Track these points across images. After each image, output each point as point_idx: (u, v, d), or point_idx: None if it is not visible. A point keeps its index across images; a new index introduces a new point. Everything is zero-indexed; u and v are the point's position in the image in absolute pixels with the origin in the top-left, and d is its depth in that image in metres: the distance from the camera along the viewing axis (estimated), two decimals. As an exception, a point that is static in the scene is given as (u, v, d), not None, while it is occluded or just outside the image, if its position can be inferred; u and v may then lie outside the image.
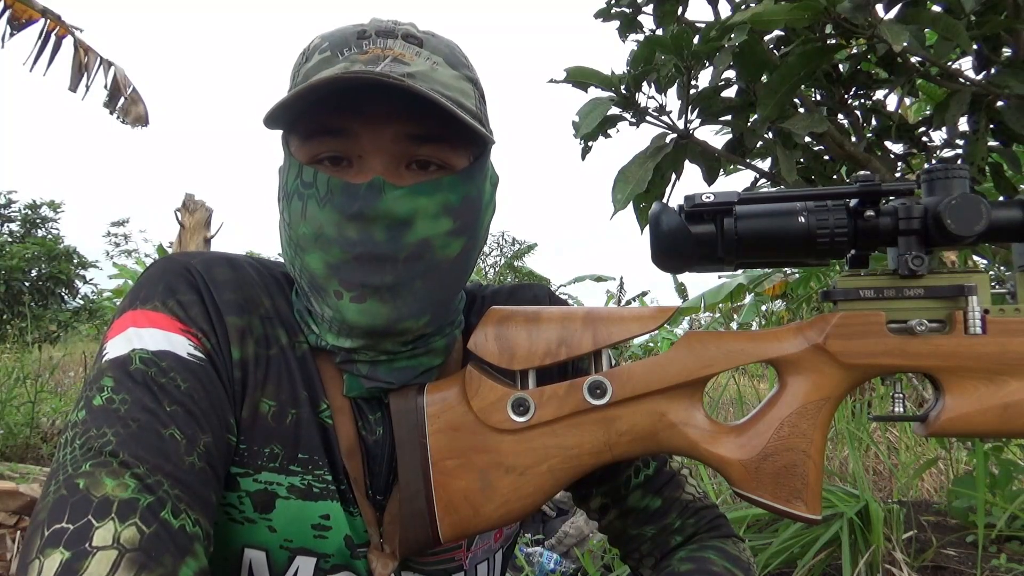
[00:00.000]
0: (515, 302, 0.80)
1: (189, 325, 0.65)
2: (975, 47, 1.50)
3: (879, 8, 1.45)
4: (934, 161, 0.64)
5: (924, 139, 1.74)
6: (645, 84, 1.56)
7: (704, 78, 1.62)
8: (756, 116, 1.58)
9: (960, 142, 1.66)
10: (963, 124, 1.63)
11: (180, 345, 0.63)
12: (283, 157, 0.70)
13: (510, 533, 0.80)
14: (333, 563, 0.68)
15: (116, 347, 0.63)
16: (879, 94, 1.78)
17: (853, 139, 1.73)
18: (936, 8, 1.46)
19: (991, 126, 1.56)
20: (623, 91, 1.56)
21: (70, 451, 0.57)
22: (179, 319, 0.65)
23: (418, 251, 0.65)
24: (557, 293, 0.84)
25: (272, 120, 0.65)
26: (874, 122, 1.79)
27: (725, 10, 1.70)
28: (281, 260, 0.78)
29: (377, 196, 0.63)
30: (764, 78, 1.59)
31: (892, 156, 1.78)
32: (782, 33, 1.69)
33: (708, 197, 0.62)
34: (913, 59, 1.54)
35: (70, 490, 0.54)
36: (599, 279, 13.39)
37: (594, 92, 1.60)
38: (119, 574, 0.50)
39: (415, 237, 0.64)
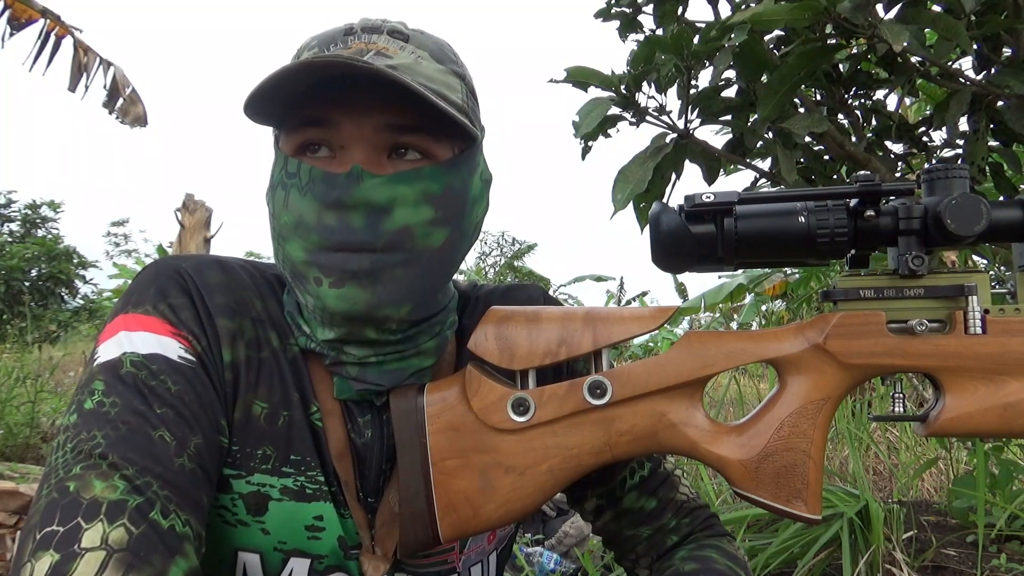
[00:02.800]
0: (510, 302, 0.80)
1: (180, 328, 0.65)
2: (975, 47, 1.50)
3: (879, 8, 1.45)
4: (934, 161, 0.64)
5: (924, 139, 1.74)
6: (645, 84, 1.56)
7: (704, 78, 1.62)
8: (756, 116, 1.58)
9: (960, 142, 1.66)
10: (963, 124, 1.63)
11: (171, 348, 0.63)
12: (273, 153, 0.70)
13: (504, 535, 0.80)
14: (327, 564, 0.68)
15: (107, 351, 0.63)
16: (879, 94, 1.78)
17: (853, 139, 1.73)
18: (936, 8, 1.46)
19: (991, 126, 1.56)
20: (623, 91, 1.56)
21: (61, 454, 0.57)
22: (170, 322, 0.65)
23: (398, 239, 0.65)
24: (556, 293, 0.84)
25: (254, 114, 0.65)
26: (874, 122, 1.79)
27: (725, 10, 1.70)
28: (274, 262, 0.78)
29: (355, 184, 0.63)
30: (764, 78, 1.59)
31: (892, 156, 1.78)
32: (782, 33, 1.68)
33: (708, 197, 0.62)
34: (913, 59, 1.54)
35: (61, 493, 0.54)
36: (599, 279, 13.37)
37: (594, 92, 1.60)
38: (107, 574, 0.50)
39: (394, 225, 0.64)
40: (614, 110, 1.59)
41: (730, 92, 1.70)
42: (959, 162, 0.63)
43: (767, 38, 1.64)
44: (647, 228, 0.66)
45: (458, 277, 0.80)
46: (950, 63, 1.56)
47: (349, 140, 0.65)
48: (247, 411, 0.67)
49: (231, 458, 0.66)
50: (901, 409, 0.65)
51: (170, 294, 0.66)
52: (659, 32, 1.75)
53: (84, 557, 0.51)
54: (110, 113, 4.97)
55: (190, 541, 0.56)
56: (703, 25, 1.71)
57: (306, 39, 0.70)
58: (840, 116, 1.77)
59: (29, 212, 16.92)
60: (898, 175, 1.72)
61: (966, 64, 1.62)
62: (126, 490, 0.55)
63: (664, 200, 1.65)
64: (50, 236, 16.52)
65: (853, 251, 0.64)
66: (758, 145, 1.67)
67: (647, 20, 1.77)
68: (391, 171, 0.65)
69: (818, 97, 1.79)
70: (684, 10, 1.73)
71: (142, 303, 0.66)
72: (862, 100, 1.77)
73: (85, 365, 0.65)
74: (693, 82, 1.58)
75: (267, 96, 0.63)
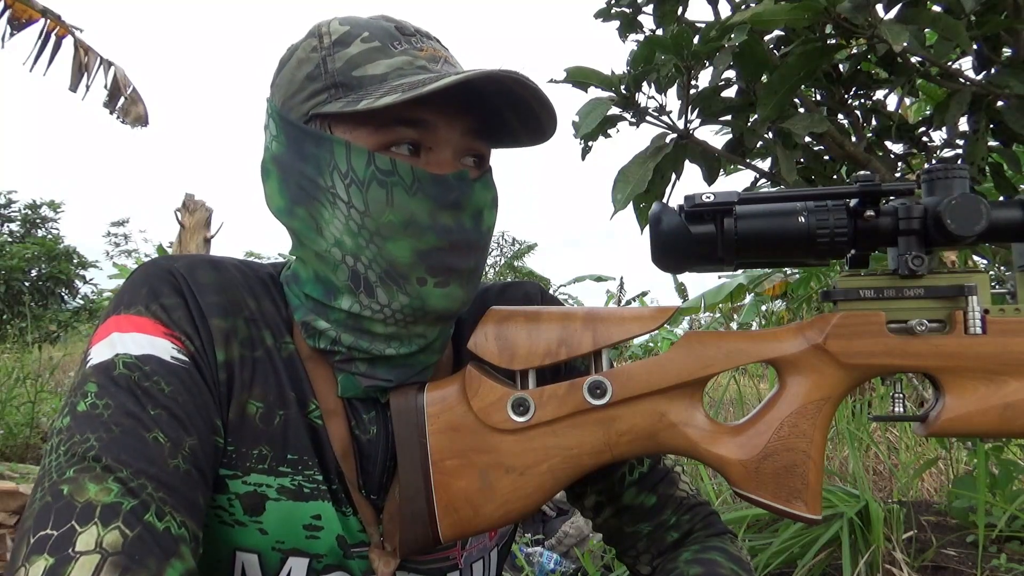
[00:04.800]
0: (506, 300, 0.81)
1: (172, 328, 0.64)
2: (975, 47, 1.50)
3: (879, 8, 1.45)
4: (934, 161, 0.64)
5: (924, 139, 1.74)
6: (645, 84, 1.56)
7: (704, 78, 1.62)
8: (756, 116, 1.58)
9: (960, 142, 1.66)
10: (963, 124, 1.63)
11: (163, 349, 0.63)
12: (323, 143, 0.65)
13: (505, 531, 0.80)
14: (326, 563, 0.68)
15: (100, 353, 0.62)
16: (879, 94, 1.78)
17: (853, 139, 1.73)
18: (936, 8, 1.46)
19: (991, 126, 1.56)
20: (623, 91, 1.56)
21: (55, 458, 0.57)
22: (162, 323, 0.64)
23: (487, 238, 0.70)
24: (556, 293, 0.85)
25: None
26: (874, 122, 1.79)
27: (725, 10, 1.70)
28: (267, 262, 0.77)
29: (468, 186, 0.66)
30: (764, 78, 1.59)
31: (892, 156, 1.78)
32: (782, 33, 1.68)
33: (708, 197, 0.62)
34: (913, 59, 1.54)
35: (54, 496, 0.54)
36: (599, 279, 13.39)
37: (594, 92, 1.60)
38: None
39: (486, 225, 0.69)
40: (614, 110, 1.59)
41: (730, 92, 1.70)
42: (959, 162, 0.63)
43: (767, 38, 1.64)
44: (647, 228, 0.66)
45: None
46: (950, 63, 1.56)
47: (438, 142, 0.66)
48: (242, 411, 0.67)
49: (227, 458, 0.66)
50: (901, 409, 0.65)
51: (162, 294, 0.66)
52: (659, 32, 1.75)
53: (79, 561, 0.50)
54: (111, 113, 4.98)
55: (186, 543, 0.56)
56: (703, 25, 1.71)
57: (343, 27, 0.66)
58: (840, 116, 1.77)
59: (29, 212, 16.93)
60: (898, 175, 1.72)
61: (966, 64, 1.62)
62: (120, 493, 0.55)
63: (664, 200, 1.65)
64: (50, 236, 16.52)
65: (853, 251, 0.64)
66: (758, 145, 1.67)
67: (647, 20, 1.77)
68: (476, 174, 0.68)
69: (818, 97, 1.79)
70: (684, 10, 1.73)
71: (134, 304, 0.65)
72: (862, 100, 1.77)
73: (78, 367, 0.65)
74: (693, 82, 1.58)
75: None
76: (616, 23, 1.78)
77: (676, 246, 0.63)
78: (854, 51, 1.66)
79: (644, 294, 13.69)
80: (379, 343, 0.68)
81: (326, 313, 0.69)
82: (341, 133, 0.65)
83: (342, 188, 0.65)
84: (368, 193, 0.64)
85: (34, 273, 14.96)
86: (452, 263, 0.66)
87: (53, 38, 4.64)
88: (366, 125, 0.65)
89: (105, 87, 4.91)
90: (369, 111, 0.62)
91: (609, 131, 1.64)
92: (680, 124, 1.62)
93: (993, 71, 1.52)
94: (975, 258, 2.13)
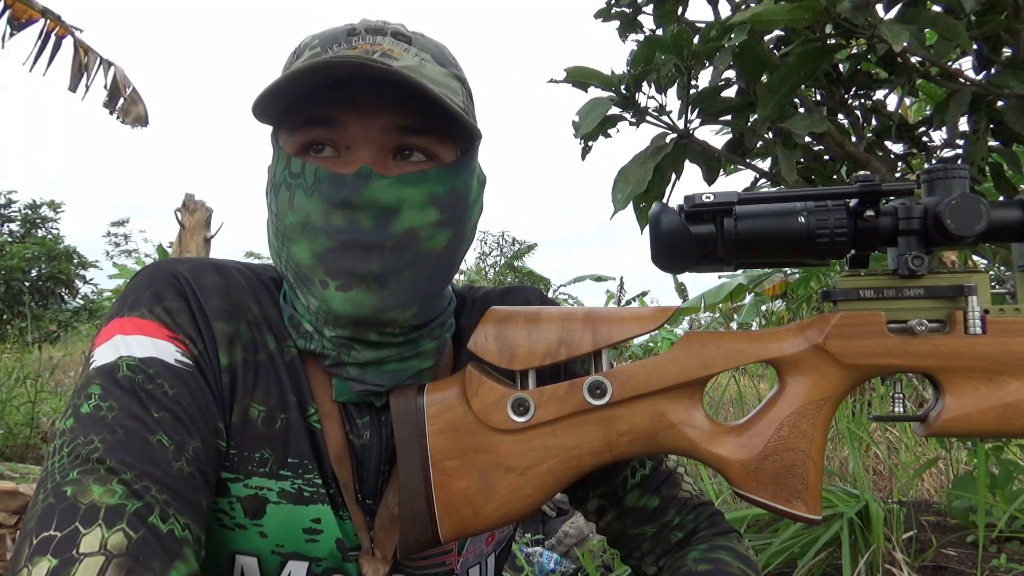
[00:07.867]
0: (507, 304, 0.80)
1: (176, 332, 0.65)
2: (975, 47, 1.50)
3: (879, 8, 1.44)
4: (934, 161, 0.64)
5: (924, 139, 1.74)
6: (645, 84, 1.56)
7: (704, 78, 1.62)
8: (756, 116, 1.58)
9: (960, 142, 1.66)
10: (963, 124, 1.63)
11: (167, 352, 0.63)
12: (272, 152, 0.70)
13: (503, 537, 0.80)
14: (325, 567, 0.68)
15: (103, 355, 0.63)
16: (879, 94, 1.78)
17: (853, 139, 1.73)
18: (936, 8, 1.46)
19: (991, 126, 1.56)
20: (623, 91, 1.56)
21: (58, 459, 0.57)
22: (166, 326, 0.65)
23: (405, 240, 0.65)
24: (556, 293, 0.85)
25: (260, 112, 0.65)
26: (874, 122, 1.79)
27: (725, 10, 1.70)
28: (271, 263, 0.78)
29: (364, 184, 0.63)
30: (764, 78, 1.59)
31: (892, 156, 1.78)
32: (782, 33, 1.69)
33: (708, 197, 0.62)
34: (913, 59, 1.54)
35: (58, 498, 0.54)
36: (599, 279, 13.38)
37: (594, 92, 1.60)
38: None
39: (401, 227, 0.64)
40: (614, 110, 1.59)
41: (730, 92, 1.70)
42: (959, 162, 0.63)
43: (767, 38, 1.64)
44: (647, 228, 0.66)
45: (458, 277, 0.80)
46: (950, 63, 1.56)
47: (355, 140, 0.65)
48: (244, 414, 0.67)
49: (229, 461, 0.66)
50: (901, 409, 0.65)
51: (166, 297, 0.66)
52: (659, 32, 1.75)
53: (83, 562, 0.50)
54: (111, 113, 4.98)
55: (189, 545, 0.56)
56: (703, 25, 1.71)
57: (306, 38, 0.69)
58: (840, 116, 1.77)
59: (29, 212, 16.93)
60: (898, 175, 1.72)
61: (966, 64, 1.62)
62: (124, 494, 0.55)
63: (664, 200, 1.65)
64: (50, 236, 16.52)
65: (853, 251, 0.64)
66: (758, 145, 1.67)
67: (647, 20, 1.77)
68: (397, 172, 0.65)
69: (818, 97, 1.79)
70: (684, 10, 1.74)
71: (138, 307, 0.65)
72: (862, 100, 1.77)
73: (81, 369, 0.65)
74: (693, 82, 1.58)
75: (276, 95, 0.63)
76: (616, 23, 1.78)
77: (676, 246, 0.63)
78: (854, 51, 1.66)
79: (644, 294, 13.67)
80: (343, 348, 0.68)
81: (302, 315, 0.70)
82: (281, 141, 0.68)
83: (268, 193, 0.69)
84: (278, 196, 0.67)
85: (34, 273, 14.95)
86: (349, 266, 0.64)
87: (53, 38, 4.64)
88: (287, 130, 0.67)
89: (105, 87, 4.91)
90: (288, 114, 0.65)
91: (609, 131, 1.64)
92: (680, 124, 1.62)
93: (993, 71, 1.52)
94: (975, 258, 2.13)
